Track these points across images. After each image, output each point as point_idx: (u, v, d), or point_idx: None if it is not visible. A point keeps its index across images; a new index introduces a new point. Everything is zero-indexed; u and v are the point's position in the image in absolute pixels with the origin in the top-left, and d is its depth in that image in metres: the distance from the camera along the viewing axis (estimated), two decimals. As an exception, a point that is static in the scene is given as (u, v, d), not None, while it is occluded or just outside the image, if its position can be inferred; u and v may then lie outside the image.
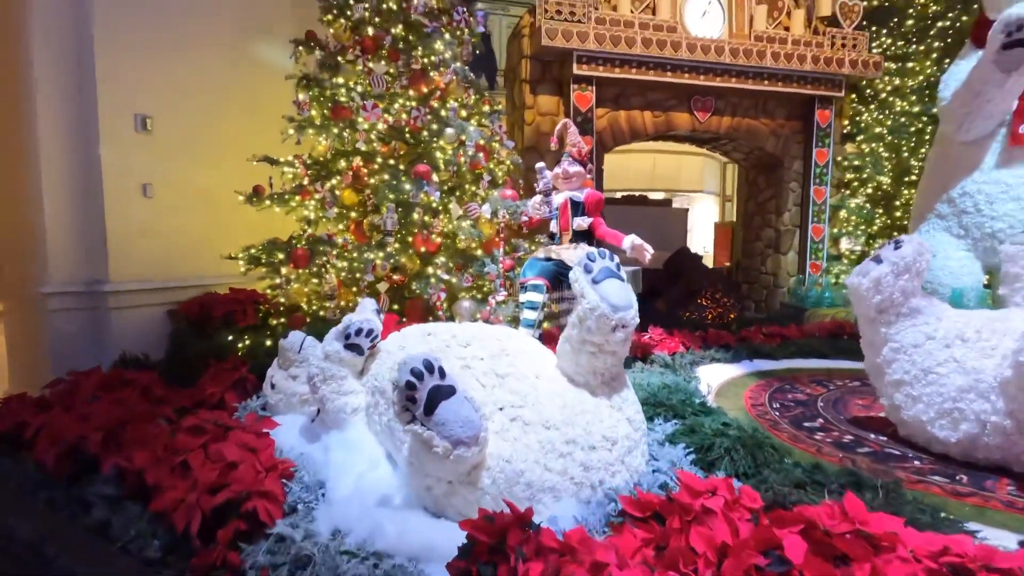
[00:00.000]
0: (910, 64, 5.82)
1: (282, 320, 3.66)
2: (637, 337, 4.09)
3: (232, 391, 2.67)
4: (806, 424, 2.81)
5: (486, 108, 3.93)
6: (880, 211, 5.91)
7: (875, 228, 5.89)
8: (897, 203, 5.80)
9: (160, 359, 3.50)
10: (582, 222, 3.78)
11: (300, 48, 3.66)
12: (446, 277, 3.45)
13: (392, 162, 3.55)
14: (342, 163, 3.62)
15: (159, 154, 3.67)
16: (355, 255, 3.30)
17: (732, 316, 6.01)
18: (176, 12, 3.78)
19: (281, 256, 3.37)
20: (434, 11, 3.69)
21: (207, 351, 3.12)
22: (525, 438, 1.81)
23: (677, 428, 2.31)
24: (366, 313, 2.49)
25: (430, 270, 3.44)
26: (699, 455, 2.10)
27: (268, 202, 3.54)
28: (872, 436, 2.63)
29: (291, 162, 3.54)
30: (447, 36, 3.56)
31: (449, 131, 3.40)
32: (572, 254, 3.70)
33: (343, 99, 3.45)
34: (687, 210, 8.90)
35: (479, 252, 3.59)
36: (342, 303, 3.51)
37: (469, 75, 3.77)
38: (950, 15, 5.61)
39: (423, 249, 3.45)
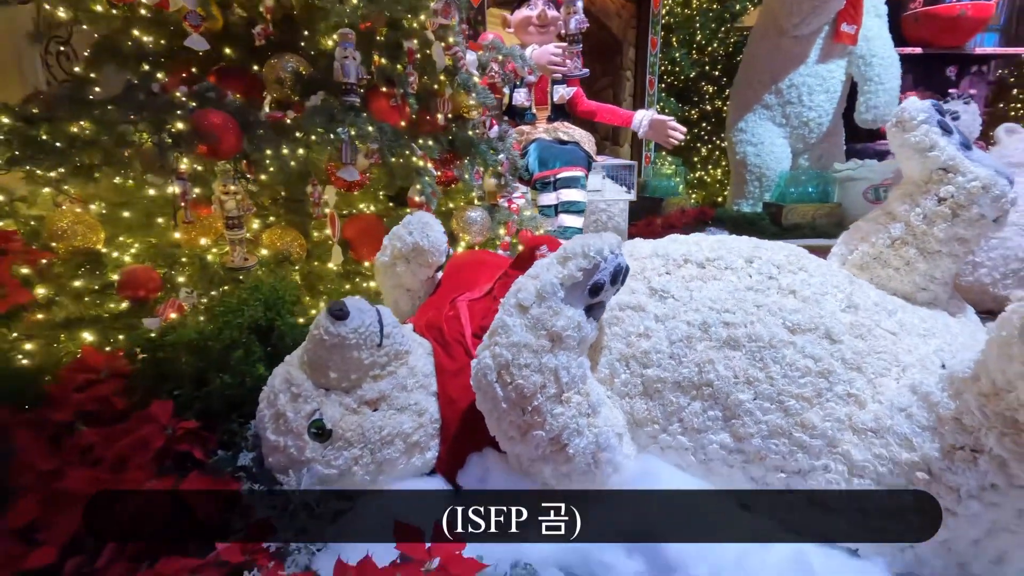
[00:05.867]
0: (702, -39, 6.15)
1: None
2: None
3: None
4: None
5: None
6: (682, 104, 6.37)
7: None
8: (695, 98, 6.32)
9: None
10: (565, 93, 2.80)
11: None
12: (436, 172, 2.08)
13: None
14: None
15: None
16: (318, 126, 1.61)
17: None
18: None
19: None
20: None
21: None
22: None
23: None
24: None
25: (413, 159, 1.99)
26: None
27: None
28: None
29: None
30: None
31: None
32: (580, 135, 2.71)
33: None
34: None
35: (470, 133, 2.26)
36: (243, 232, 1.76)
37: None
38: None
39: (402, 123, 1.95)
